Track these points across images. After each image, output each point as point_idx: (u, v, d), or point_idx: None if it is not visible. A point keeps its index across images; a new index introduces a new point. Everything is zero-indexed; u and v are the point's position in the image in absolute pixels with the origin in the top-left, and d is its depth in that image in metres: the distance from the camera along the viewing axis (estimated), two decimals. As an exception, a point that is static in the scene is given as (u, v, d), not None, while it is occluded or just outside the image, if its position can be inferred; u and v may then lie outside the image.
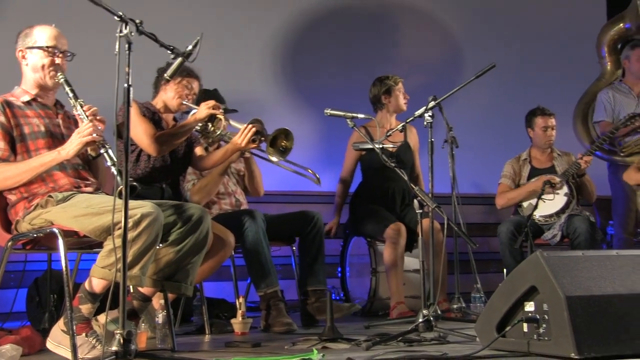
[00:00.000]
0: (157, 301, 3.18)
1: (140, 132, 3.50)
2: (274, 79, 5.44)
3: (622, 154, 4.99)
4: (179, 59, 2.63)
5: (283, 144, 3.56)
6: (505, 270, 4.46)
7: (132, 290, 2.86)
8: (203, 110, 3.52)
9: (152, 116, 3.65)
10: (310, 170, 3.73)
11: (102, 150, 2.67)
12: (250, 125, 3.52)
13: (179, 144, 3.66)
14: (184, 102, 3.71)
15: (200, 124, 3.59)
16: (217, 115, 3.57)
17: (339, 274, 4.71)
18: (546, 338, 2.40)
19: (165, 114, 3.77)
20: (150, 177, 3.64)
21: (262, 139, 3.58)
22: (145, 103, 3.72)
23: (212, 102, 3.55)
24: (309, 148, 5.31)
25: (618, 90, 5.15)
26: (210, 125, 3.61)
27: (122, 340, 2.29)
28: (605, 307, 2.36)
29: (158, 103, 3.76)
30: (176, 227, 2.87)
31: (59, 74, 2.89)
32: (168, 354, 2.78)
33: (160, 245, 2.81)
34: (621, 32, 5.50)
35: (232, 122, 3.62)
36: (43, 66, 2.91)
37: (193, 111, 3.64)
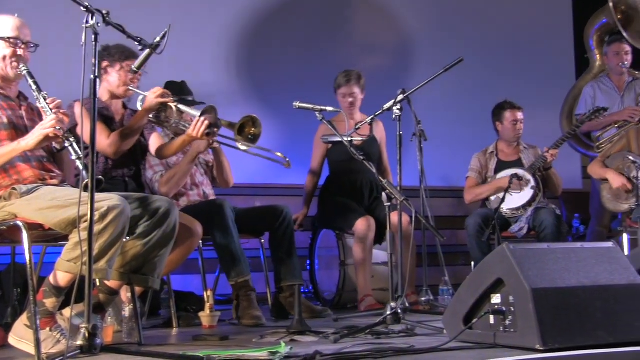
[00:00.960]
0: (124, 294, 3.15)
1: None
2: (236, 70, 5.41)
3: (597, 150, 5.06)
4: (147, 51, 2.61)
5: (251, 131, 3.52)
6: (473, 263, 4.51)
7: (98, 284, 2.83)
8: (152, 100, 3.38)
9: (101, 113, 3.47)
10: (279, 154, 3.71)
11: (66, 144, 2.62)
12: (202, 119, 3.41)
13: (136, 139, 3.52)
14: (131, 88, 3.55)
15: (151, 115, 3.47)
16: (169, 104, 3.45)
17: (308, 267, 4.71)
18: (512, 330, 2.44)
19: (115, 103, 3.63)
20: (111, 170, 3.57)
21: (216, 130, 3.52)
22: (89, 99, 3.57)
23: (160, 90, 3.41)
24: (275, 140, 5.29)
25: (602, 84, 5.19)
26: (163, 115, 3.49)
27: (87, 335, 2.27)
28: (569, 298, 2.40)
29: (103, 95, 3.58)
30: (143, 220, 2.84)
31: (21, 65, 2.83)
32: (135, 347, 2.75)
33: (127, 238, 2.78)
34: (603, 26, 5.53)
35: (185, 109, 3.51)
36: (4, 57, 2.85)
37: (141, 97, 3.52)
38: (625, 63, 5.09)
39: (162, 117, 3.50)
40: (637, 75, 5.12)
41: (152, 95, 3.38)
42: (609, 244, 2.67)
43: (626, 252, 4.26)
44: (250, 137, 3.51)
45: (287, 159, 3.72)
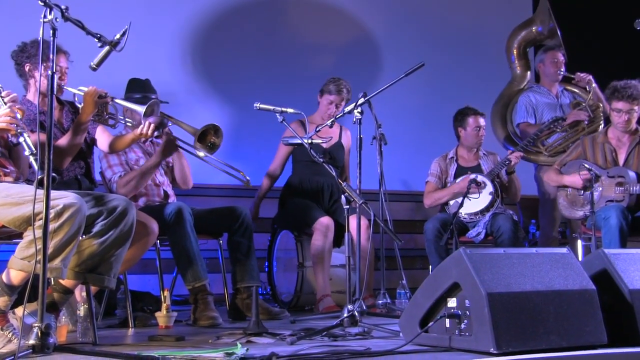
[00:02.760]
0: (79, 294, 3.10)
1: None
2: (193, 69, 5.37)
3: (546, 153, 5.16)
4: (106, 48, 2.58)
5: (212, 139, 3.53)
6: (430, 266, 4.55)
7: (52, 283, 2.78)
8: (89, 102, 3.23)
9: (37, 118, 3.18)
10: (241, 173, 3.73)
11: (20, 139, 2.57)
12: (148, 122, 3.35)
13: (81, 143, 3.41)
14: (66, 87, 3.40)
15: (93, 117, 3.34)
16: (107, 98, 3.32)
17: (266, 269, 4.70)
18: (467, 333, 2.46)
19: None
20: (62, 170, 3.48)
21: (164, 129, 3.51)
22: (23, 100, 3.40)
23: (93, 91, 3.24)
24: (234, 141, 5.28)
25: (538, 93, 5.31)
26: (104, 113, 3.36)
27: (40, 334, 2.23)
28: (524, 303, 2.44)
29: (35, 97, 3.39)
30: (100, 219, 2.81)
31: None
32: (89, 347, 2.71)
33: (83, 236, 2.74)
34: (532, 36, 5.63)
35: (125, 104, 3.45)
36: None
37: (78, 96, 3.40)
38: (563, 71, 5.23)
39: (104, 115, 3.39)
40: (574, 82, 5.25)
41: (89, 99, 3.23)
42: (564, 250, 2.72)
43: (580, 258, 4.34)
44: (209, 145, 3.52)
45: (248, 178, 3.75)
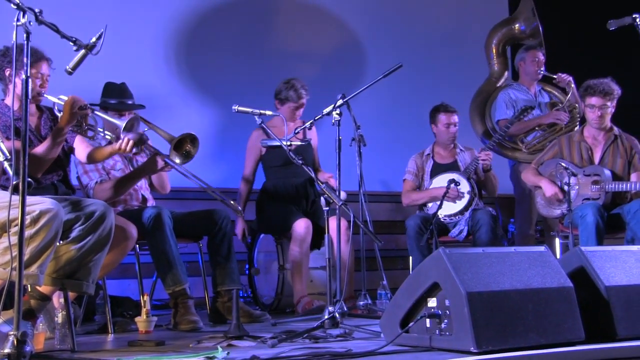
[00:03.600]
0: (57, 300, 3.07)
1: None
2: (178, 72, 5.34)
3: (525, 151, 5.20)
4: (82, 52, 2.55)
5: (187, 148, 3.53)
6: (411, 265, 4.55)
7: (29, 290, 2.75)
8: (69, 112, 3.12)
9: (16, 125, 3.09)
10: (233, 202, 3.82)
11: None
12: (127, 138, 3.32)
13: (58, 152, 3.31)
14: (43, 95, 3.31)
15: (72, 127, 3.26)
16: (87, 110, 3.23)
17: (247, 271, 4.68)
18: (447, 333, 2.48)
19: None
20: (38, 178, 3.43)
21: (143, 146, 3.50)
22: (1, 105, 3.34)
23: (73, 101, 3.13)
24: (213, 142, 5.26)
25: (517, 90, 5.35)
26: (84, 124, 3.29)
27: (16, 342, 2.20)
28: (503, 302, 2.46)
29: (15, 103, 3.12)
30: (78, 224, 2.79)
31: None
32: (67, 354, 2.69)
33: (61, 242, 2.72)
34: (513, 34, 5.68)
35: (105, 117, 3.44)
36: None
37: (55, 103, 3.32)
38: (542, 70, 5.28)
39: (83, 127, 3.32)
40: (555, 82, 5.31)
41: (68, 109, 3.13)
42: (541, 249, 2.75)
43: (558, 256, 4.38)
44: (184, 153, 3.51)
45: (240, 209, 3.88)
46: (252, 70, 5.51)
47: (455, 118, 4.82)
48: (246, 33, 5.61)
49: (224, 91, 5.37)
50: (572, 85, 5.19)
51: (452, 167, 4.81)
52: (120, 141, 3.34)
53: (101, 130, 3.38)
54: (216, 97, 5.38)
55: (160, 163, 3.72)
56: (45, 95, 3.32)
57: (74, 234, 2.75)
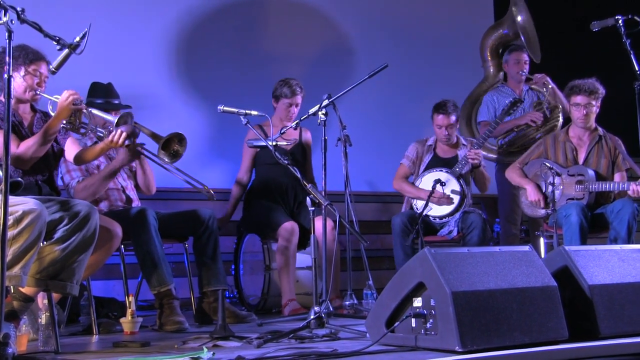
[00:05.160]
0: (41, 301, 3.05)
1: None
2: (169, 72, 5.33)
3: (500, 152, 5.23)
4: (66, 51, 2.54)
5: (175, 148, 3.52)
6: (395, 262, 4.55)
7: (12, 291, 2.73)
8: (64, 108, 3.17)
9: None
10: (205, 187, 3.76)
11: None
12: (120, 130, 3.32)
13: (47, 147, 3.31)
14: (39, 93, 3.32)
15: (64, 124, 3.29)
16: (81, 106, 3.27)
17: (233, 272, 4.68)
18: (433, 332, 2.49)
19: (22, 107, 3.39)
20: (23, 176, 3.41)
21: (134, 139, 3.48)
22: None
23: (70, 97, 3.17)
24: (203, 143, 5.25)
25: (502, 93, 5.37)
26: (77, 121, 3.32)
27: (-2, 344, 2.18)
28: (488, 301, 2.47)
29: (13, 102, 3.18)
30: (62, 224, 2.77)
31: None
32: (50, 356, 2.67)
33: (45, 243, 2.70)
34: (501, 37, 5.75)
35: (99, 114, 3.41)
36: None
37: (50, 102, 3.33)
38: (525, 71, 5.31)
39: (76, 124, 3.34)
40: (532, 83, 5.33)
41: (63, 102, 3.17)
42: (526, 248, 2.76)
43: (543, 255, 4.40)
44: (172, 152, 3.50)
45: (212, 192, 3.78)
46: (240, 71, 5.50)
47: (451, 119, 4.70)
48: (236, 34, 5.59)
49: (212, 91, 5.35)
50: (550, 85, 5.23)
51: (452, 162, 4.72)
52: (113, 134, 3.32)
53: (94, 127, 3.36)
54: (204, 98, 5.36)
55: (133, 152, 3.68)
56: (41, 94, 3.31)
57: (58, 234, 2.74)
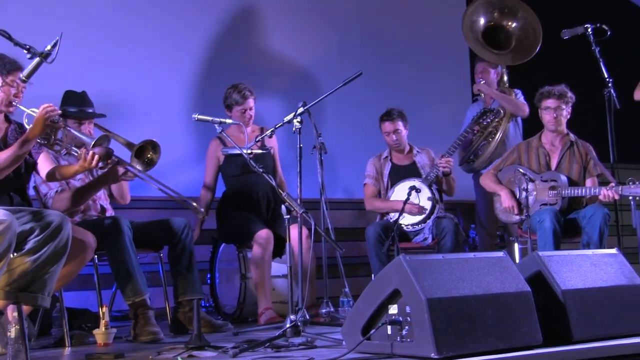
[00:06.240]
0: (11, 314, 2.99)
1: None
2: (143, 80, 5.29)
3: (476, 161, 5.29)
4: (36, 60, 2.51)
5: (149, 155, 3.49)
6: (372, 272, 4.57)
7: (-19, 304, 2.68)
8: (40, 123, 3.10)
9: None
10: (195, 205, 3.82)
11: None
12: (92, 152, 3.28)
13: (20, 161, 3.26)
14: (16, 104, 3.26)
15: (40, 140, 3.26)
16: (59, 124, 3.23)
17: (209, 281, 4.65)
18: (408, 340, 2.48)
19: None
20: None
21: (109, 161, 3.44)
22: None
23: (48, 114, 3.10)
24: (176, 151, 5.21)
25: (477, 105, 5.42)
26: (53, 137, 3.30)
27: (-32, 358, 2.14)
28: (463, 307, 2.47)
29: None
30: (33, 235, 2.73)
31: None
32: (21, 369, 2.63)
33: (15, 254, 2.66)
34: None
35: (77, 134, 3.40)
36: None
37: (26, 114, 3.28)
38: (480, 79, 5.33)
39: (51, 140, 3.30)
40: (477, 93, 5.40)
41: (40, 117, 3.10)
42: (500, 254, 2.78)
43: (517, 261, 4.44)
44: (146, 160, 3.47)
45: (202, 210, 3.91)
46: (213, 79, 5.48)
47: (397, 125, 4.80)
48: (209, 41, 5.58)
49: (185, 99, 5.33)
50: (480, 89, 5.29)
51: (410, 169, 4.84)
52: (86, 154, 3.29)
53: (69, 146, 3.32)
54: (178, 106, 5.33)
55: (121, 170, 3.67)
56: (17, 105, 3.25)
57: (28, 245, 2.70)
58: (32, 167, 3.49)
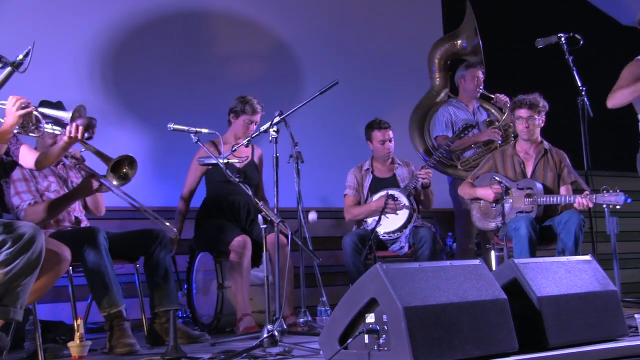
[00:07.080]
0: (-16, 327, 2.96)
1: None
2: (106, 90, 5.25)
3: (460, 167, 5.30)
4: (8, 69, 2.49)
5: (125, 170, 3.46)
6: (350, 281, 4.56)
7: (-47, 317, 2.64)
8: (12, 114, 3.06)
9: None
10: (168, 225, 3.84)
11: None
12: (75, 125, 3.22)
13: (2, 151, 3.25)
14: None
15: (17, 129, 3.17)
16: (33, 112, 3.16)
17: (185, 291, 4.61)
18: (386, 348, 2.48)
19: None
20: None
21: (92, 131, 3.39)
22: None
23: (17, 102, 3.06)
24: (147, 161, 5.18)
25: (457, 107, 5.45)
26: (30, 124, 3.20)
27: (-62, 373, 2.10)
28: (440, 315, 2.48)
29: None
30: (5, 247, 2.69)
31: None
32: (-7, 384, 2.59)
33: (-13, 267, 2.62)
34: (455, 49, 5.77)
35: (51, 112, 3.28)
36: None
37: None
38: (481, 88, 5.40)
39: (28, 127, 3.22)
40: (492, 102, 5.43)
41: (10, 108, 3.05)
42: (476, 262, 2.79)
43: (494, 268, 4.46)
44: (121, 175, 3.45)
45: (175, 230, 3.90)
46: (187, 89, 5.46)
47: (390, 134, 4.87)
48: (180, 51, 5.56)
49: (158, 110, 5.30)
50: (509, 106, 5.31)
51: (391, 181, 4.87)
52: (69, 128, 3.23)
53: (48, 124, 3.26)
54: (150, 116, 5.30)
55: (95, 184, 3.63)
56: None
57: (0, 257, 2.66)
58: (8, 167, 3.44)
